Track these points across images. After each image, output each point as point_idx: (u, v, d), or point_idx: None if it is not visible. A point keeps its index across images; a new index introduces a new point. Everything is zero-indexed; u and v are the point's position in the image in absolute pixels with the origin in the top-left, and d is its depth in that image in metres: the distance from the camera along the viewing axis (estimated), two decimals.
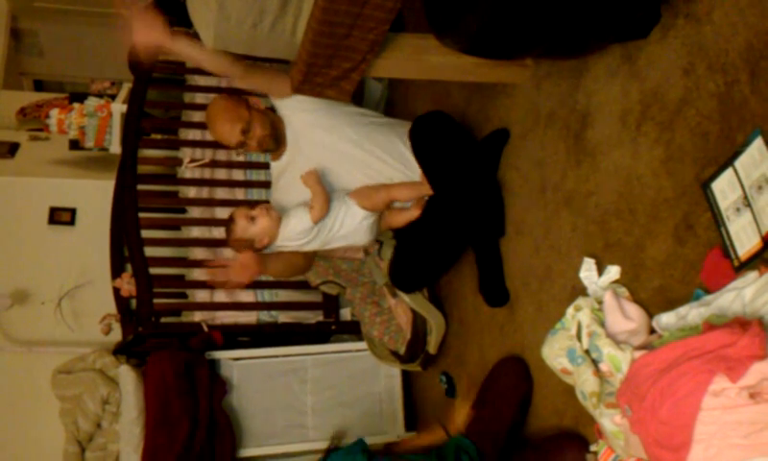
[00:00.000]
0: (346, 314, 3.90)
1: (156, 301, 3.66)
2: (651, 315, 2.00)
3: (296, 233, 2.99)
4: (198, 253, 4.03)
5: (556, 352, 2.16)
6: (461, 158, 2.92)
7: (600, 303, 2.14)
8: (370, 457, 2.53)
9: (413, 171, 3.06)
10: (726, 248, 1.77)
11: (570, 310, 2.19)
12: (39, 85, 6.92)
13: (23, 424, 4.26)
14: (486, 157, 2.95)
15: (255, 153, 3.31)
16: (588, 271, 2.28)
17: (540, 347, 2.26)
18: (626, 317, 2.03)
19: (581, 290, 2.29)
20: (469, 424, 2.68)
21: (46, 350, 4.25)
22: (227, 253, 3.94)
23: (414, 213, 3.04)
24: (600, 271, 2.24)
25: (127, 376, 3.60)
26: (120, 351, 3.81)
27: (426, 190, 3.01)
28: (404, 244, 3.11)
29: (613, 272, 2.17)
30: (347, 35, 2.45)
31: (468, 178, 2.90)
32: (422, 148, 3.00)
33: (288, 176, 3.09)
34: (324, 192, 2.96)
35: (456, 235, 3.00)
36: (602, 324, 2.09)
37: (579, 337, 2.13)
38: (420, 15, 2.36)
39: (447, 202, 2.93)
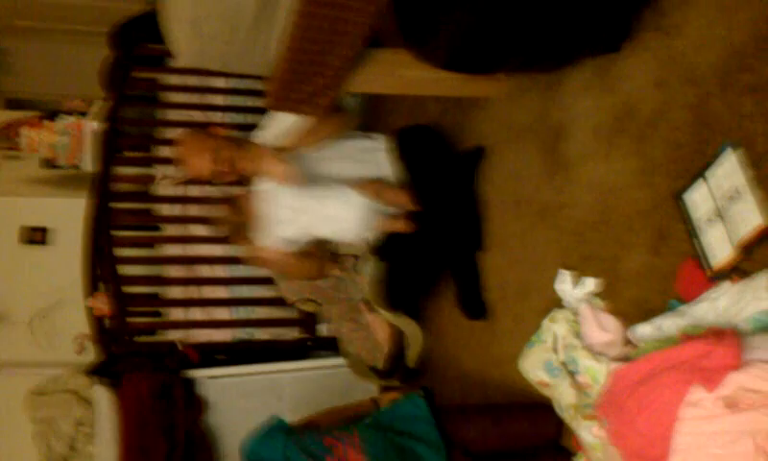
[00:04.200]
0: (323, 330, 3.88)
1: (130, 319, 3.62)
2: (627, 326, 2.01)
3: (275, 206, 2.89)
4: (172, 270, 3.99)
5: (533, 365, 2.17)
6: (441, 173, 2.93)
7: (576, 314, 2.15)
8: (288, 435, 2.31)
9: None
10: (699, 259, 1.79)
11: (546, 322, 2.20)
12: (11, 104, 6.85)
13: None
14: (462, 173, 2.95)
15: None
16: (562, 283, 2.29)
17: (518, 359, 2.26)
18: (602, 329, 2.04)
19: (558, 302, 2.30)
20: None
21: (19, 371, 4.19)
22: (203, 270, 3.92)
23: (399, 225, 3.04)
24: (576, 283, 2.25)
25: (101, 397, 3.55)
26: (94, 371, 3.76)
27: (408, 203, 3.02)
28: (386, 262, 3.10)
29: (589, 284, 2.18)
30: (321, 51, 2.45)
31: (446, 192, 2.90)
32: (404, 162, 3.01)
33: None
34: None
35: (437, 250, 2.99)
36: (579, 335, 2.10)
37: (556, 349, 2.14)
38: (396, 33, 2.37)
39: (428, 218, 2.94)
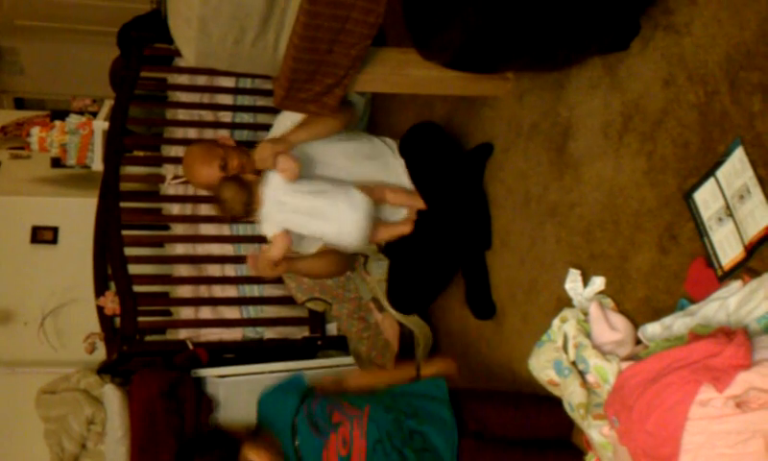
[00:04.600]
0: (332, 329, 3.89)
1: (140, 319, 3.64)
2: (636, 325, 2.01)
3: (273, 191, 2.89)
4: (182, 269, 4.00)
5: (543, 364, 2.16)
6: (450, 171, 2.93)
7: (586, 314, 2.15)
8: (303, 399, 2.27)
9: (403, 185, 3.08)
10: (709, 258, 1.78)
11: (556, 322, 2.19)
12: (20, 103, 6.88)
13: (6, 445, 4.21)
14: (471, 171, 2.95)
15: None
16: (573, 282, 2.28)
17: (527, 358, 2.26)
18: (612, 328, 2.03)
19: (566, 301, 2.30)
20: None
21: (30, 370, 4.21)
22: (212, 269, 3.93)
23: (404, 228, 3.03)
24: (585, 282, 2.24)
25: (112, 396, 3.56)
26: (105, 370, 3.78)
27: (418, 203, 3.01)
28: (400, 266, 3.09)
29: (598, 283, 2.18)
30: (329, 50, 2.45)
31: (456, 190, 2.90)
32: (413, 160, 3.01)
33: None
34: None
35: (447, 251, 2.99)
36: (588, 335, 2.09)
37: (565, 349, 2.13)
38: (402, 30, 2.37)
39: (437, 216, 2.93)
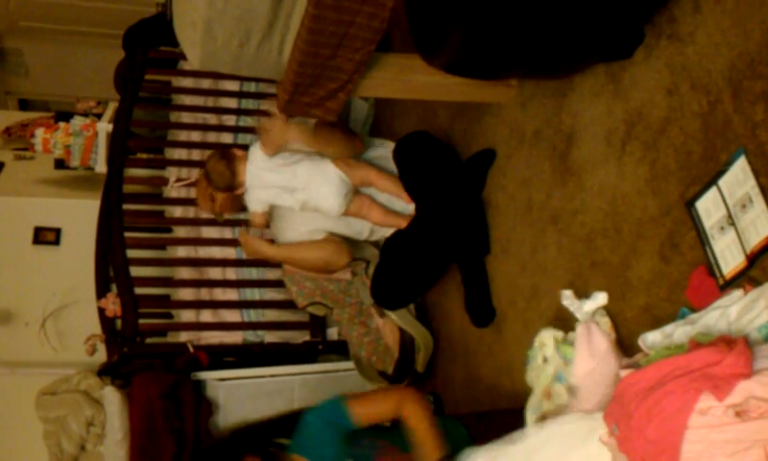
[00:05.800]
0: (332, 334, 3.89)
1: (141, 321, 3.64)
2: (623, 352, 2.00)
3: (254, 162, 3.19)
4: (183, 272, 4.00)
5: (533, 379, 2.18)
6: (442, 178, 2.96)
7: (566, 332, 2.16)
8: (347, 437, 2.03)
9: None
10: (711, 266, 1.78)
11: (537, 342, 2.21)
12: (24, 105, 6.90)
13: (5, 446, 4.21)
14: (470, 177, 2.96)
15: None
16: (567, 300, 2.26)
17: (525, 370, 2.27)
18: (591, 355, 2.01)
19: (567, 310, 2.30)
20: None
21: (30, 371, 4.20)
22: (213, 272, 3.93)
23: (400, 221, 3.09)
24: (587, 294, 2.23)
25: (112, 398, 3.56)
26: (105, 371, 3.78)
27: (406, 197, 3.09)
28: (386, 261, 3.12)
29: (601, 298, 2.17)
30: (333, 55, 2.45)
31: (448, 197, 2.92)
32: (405, 168, 3.04)
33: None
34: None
35: (437, 253, 3.01)
36: (567, 358, 2.10)
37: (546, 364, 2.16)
38: (407, 35, 2.38)
39: (429, 220, 2.96)
